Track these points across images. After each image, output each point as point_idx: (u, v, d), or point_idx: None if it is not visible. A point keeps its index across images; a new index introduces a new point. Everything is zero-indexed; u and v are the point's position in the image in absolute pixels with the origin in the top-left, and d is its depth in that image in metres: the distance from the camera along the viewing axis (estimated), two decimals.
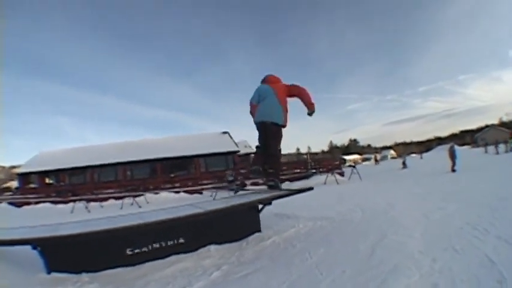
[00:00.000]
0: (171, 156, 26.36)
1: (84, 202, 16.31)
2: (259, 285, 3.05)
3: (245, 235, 4.74)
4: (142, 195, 17.50)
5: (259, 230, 4.96)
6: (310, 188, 5.53)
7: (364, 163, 68.01)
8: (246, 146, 38.05)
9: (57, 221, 5.97)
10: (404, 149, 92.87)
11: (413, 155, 74.61)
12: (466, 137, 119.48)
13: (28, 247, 3.50)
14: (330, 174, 17.93)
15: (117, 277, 3.68)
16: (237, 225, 4.82)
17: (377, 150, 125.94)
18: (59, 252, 3.65)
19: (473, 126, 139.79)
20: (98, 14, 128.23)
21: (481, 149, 44.81)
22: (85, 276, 3.60)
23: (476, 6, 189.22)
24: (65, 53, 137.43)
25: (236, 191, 6.42)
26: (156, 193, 18.98)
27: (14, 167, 64.28)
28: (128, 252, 3.97)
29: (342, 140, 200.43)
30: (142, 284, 3.40)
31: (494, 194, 6.68)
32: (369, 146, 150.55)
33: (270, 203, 5.07)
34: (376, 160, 62.17)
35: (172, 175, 25.14)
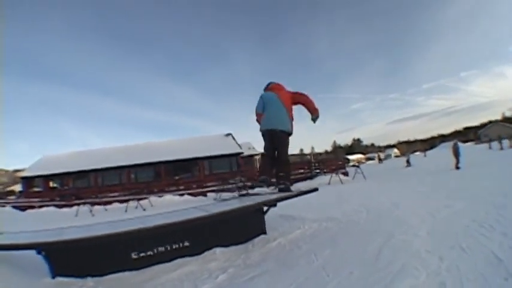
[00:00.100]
0: (175, 159, 26.33)
1: (88, 206, 16.36)
2: None
3: (250, 237, 4.72)
4: (146, 198, 17.49)
5: (264, 232, 4.95)
6: (315, 189, 5.51)
7: (368, 162, 67.68)
8: (249, 148, 38.02)
9: (61, 225, 5.97)
10: (407, 147, 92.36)
11: (417, 153, 74.13)
12: (469, 134, 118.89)
13: (33, 252, 3.49)
14: (334, 174, 17.89)
15: (123, 281, 3.68)
16: (242, 227, 4.81)
17: (381, 149, 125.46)
18: (64, 257, 3.65)
19: (476, 122, 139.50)
20: (98, 16, 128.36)
21: (485, 145, 44.58)
22: (90, 281, 3.60)
23: (478, 3, 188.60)
24: (66, 55, 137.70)
25: (244, 195, 6.38)
26: (161, 196, 18.96)
27: (17, 170, 64.47)
28: (133, 256, 3.96)
29: (345, 140, 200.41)
30: None
31: (500, 191, 6.66)
32: (372, 145, 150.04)
33: (275, 205, 5.05)
34: (379, 159, 61.91)
35: (176, 178, 25.13)
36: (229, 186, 18.53)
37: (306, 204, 7.06)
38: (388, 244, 3.70)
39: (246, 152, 33.53)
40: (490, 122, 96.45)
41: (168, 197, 18.72)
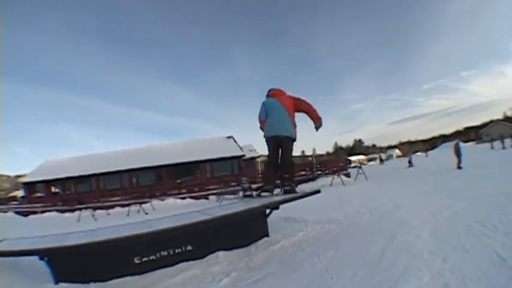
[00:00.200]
0: (176, 162, 26.33)
1: (90, 210, 16.35)
2: None
3: (253, 240, 4.72)
4: (148, 202, 17.48)
5: (267, 235, 4.95)
6: (317, 191, 5.49)
7: (369, 163, 67.67)
8: (251, 150, 38.08)
9: (64, 230, 5.98)
10: (409, 147, 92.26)
11: (419, 153, 74.13)
12: (470, 134, 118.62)
13: (35, 257, 3.50)
14: (335, 176, 17.87)
15: (126, 286, 3.69)
16: (245, 230, 4.80)
17: (382, 149, 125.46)
18: (67, 262, 3.66)
19: (477, 122, 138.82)
20: (99, 18, 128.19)
21: (486, 145, 44.53)
22: (93, 286, 3.62)
23: (477, 2, 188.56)
24: (67, 58, 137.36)
25: (248, 196, 6.37)
26: (163, 199, 18.95)
27: (19, 176, 64.61)
28: (136, 260, 3.96)
29: (346, 141, 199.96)
30: None
31: (502, 190, 6.64)
32: (373, 146, 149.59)
33: (277, 207, 5.04)
34: (381, 160, 61.84)
35: (178, 181, 25.13)
36: (234, 188, 18.55)
37: (308, 206, 7.04)
38: (391, 245, 3.70)
39: (248, 155, 33.62)
40: (492, 121, 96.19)
41: (170, 201, 18.69)
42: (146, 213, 14.47)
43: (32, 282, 3.59)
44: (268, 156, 5.95)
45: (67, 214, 17.46)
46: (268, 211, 5.06)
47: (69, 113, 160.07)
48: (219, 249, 4.35)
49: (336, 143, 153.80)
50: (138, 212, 15.36)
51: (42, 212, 19.18)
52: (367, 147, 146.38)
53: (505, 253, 3.00)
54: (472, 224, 4.30)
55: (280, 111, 5.73)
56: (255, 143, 42.91)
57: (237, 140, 30.31)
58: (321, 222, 5.54)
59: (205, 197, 19.38)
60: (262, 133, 5.95)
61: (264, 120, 5.89)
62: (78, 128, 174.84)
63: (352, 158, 74.15)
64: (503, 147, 31.76)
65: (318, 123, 5.87)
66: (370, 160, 79.84)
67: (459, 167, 16.01)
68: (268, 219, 5.10)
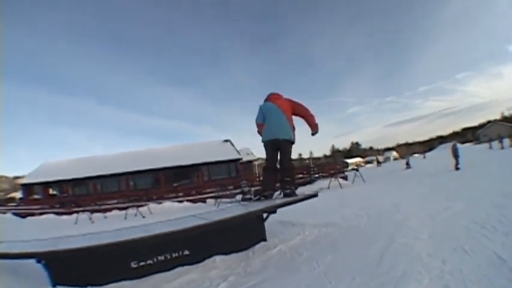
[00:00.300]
0: (174, 166, 26.35)
1: (88, 213, 16.36)
2: None
3: (251, 244, 4.69)
4: (146, 205, 17.46)
5: (264, 239, 4.91)
6: (315, 195, 5.48)
7: (366, 166, 67.84)
8: (248, 154, 38.12)
9: (61, 233, 5.96)
10: (406, 149, 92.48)
11: (416, 155, 74.39)
12: (467, 135, 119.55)
13: (33, 260, 3.47)
14: (333, 179, 17.87)
15: None
16: (242, 234, 4.77)
17: (379, 152, 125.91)
18: (64, 266, 3.63)
19: (474, 123, 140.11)
20: (99, 22, 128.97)
21: (484, 146, 44.64)
22: None
23: (473, 4, 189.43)
24: (66, 61, 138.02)
25: (247, 199, 6.33)
26: (160, 203, 18.95)
27: (17, 177, 64.63)
28: (133, 265, 3.93)
29: (343, 144, 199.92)
30: None
31: (500, 190, 6.65)
32: (371, 148, 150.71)
33: (274, 212, 5.02)
34: (378, 162, 61.92)
35: (175, 184, 25.12)
36: (231, 191, 18.58)
37: (305, 210, 7.02)
38: (390, 248, 3.68)
39: (245, 158, 33.62)
40: (489, 121, 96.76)
41: (167, 204, 18.72)
42: (143, 217, 14.50)
43: (30, 285, 3.56)
44: (266, 160, 5.92)
45: (64, 216, 17.53)
46: (265, 215, 5.03)
47: (69, 116, 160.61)
48: (216, 254, 4.32)
49: (333, 146, 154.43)
50: (136, 215, 15.34)
51: (40, 214, 19.21)
52: (365, 149, 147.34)
53: (505, 254, 2.99)
54: (470, 225, 4.30)
55: (277, 115, 5.71)
56: (252, 147, 43.07)
57: (234, 144, 30.45)
58: (318, 225, 5.51)
59: (203, 201, 19.38)
60: (260, 137, 5.93)
61: (261, 124, 5.87)
62: (77, 131, 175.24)
63: (350, 161, 74.48)
64: (502, 147, 31.84)
65: (314, 130, 5.88)
66: (367, 162, 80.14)
67: (457, 168, 16.04)
68: (266, 223, 5.07)
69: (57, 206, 20.10)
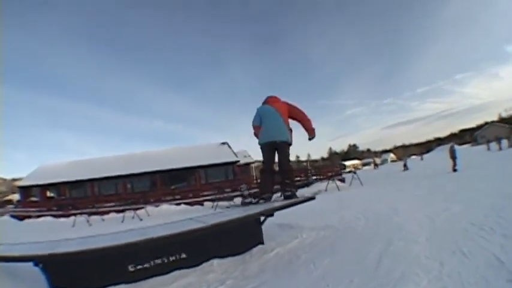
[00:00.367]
0: (171, 168, 26.29)
1: (85, 216, 16.29)
2: None
3: (248, 248, 4.66)
4: (143, 208, 17.43)
5: (262, 242, 4.88)
6: (312, 198, 5.47)
7: (364, 168, 67.97)
8: (245, 156, 38.10)
9: (59, 235, 5.94)
10: (404, 151, 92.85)
11: (414, 156, 74.59)
12: (465, 136, 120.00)
13: (30, 263, 3.45)
14: (330, 181, 17.88)
15: None
16: (240, 238, 4.75)
17: (377, 154, 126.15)
18: (61, 270, 3.60)
19: (472, 124, 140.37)
20: (97, 26, 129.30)
21: (482, 147, 44.78)
22: None
23: (472, 5, 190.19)
24: (64, 64, 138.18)
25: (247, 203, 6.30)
26: (157, 205, 18.93)
27: (15, 179, 64.61)
28: (130, 268, 3.90)
29: (341, 146, 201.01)
30: None
31: (498, 191, 6.67)
32: (368, 150, 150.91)
33: (272, 215, 5.01)
34: (375, 164, 61.99)
35: (172, 187, 25.10)
36: (228, 194, 18.57)
37: (303, 212, 7.01)
38: (388, 251, 3.67)
39: (242, 160, 33.62)
40: (487, 123, 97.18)
41: (164, 207, 18.68)
42: (141, 219, 14.45)
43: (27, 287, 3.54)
44: (263, 162, 5.91)
45: (62, 219, 17.53)
46: (262, 218, 5.02)
47: (67, 119, 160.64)
48: (214, 257, 4.30)
49: (330, 148, 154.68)
50: (133, 218, 15.31)
51: (38, 216, 19.23)
52: (362, 152, 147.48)
53: (504, 256, 2.98)
54: (469, 227, 4.30)
55: (274, 117, 5.71)
56: (249, 149, 42.96)
57: (231, 146, 30.41)
58: (316, 228, 5.49)
59: (200, 203, 19.36)
60: (257, 140, 5.93)
61: (257, 126, 5.88)
62: (75, 134, 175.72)
63: (347, 163, 74.51)
64: (500, 149, 31.90)
65: (311, 135, 5.91)
66: (364, 165, 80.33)
67: (454, 170, 16.10)
68: (263, 226, 5.05)
69: (55, 208, 20.04)
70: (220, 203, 17.05)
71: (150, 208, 17.79)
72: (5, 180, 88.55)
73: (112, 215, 18.02)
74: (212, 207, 16.39)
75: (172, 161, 27.22)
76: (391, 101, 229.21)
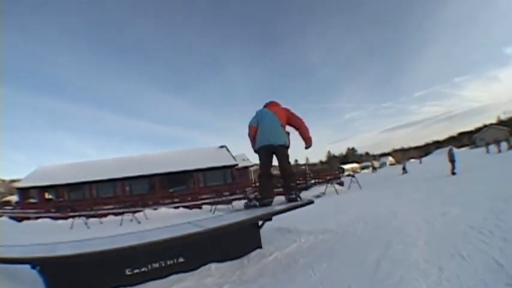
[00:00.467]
0: (170, 171, 26.28)
1: (83, 218, 16.29)
2: None
3: (246, 252, 4.64)
4: (141, 211, 17.41)
5: (260, 246, 4.86)
6: (310, 202, 5.47)
7: (362, 171, 67.94)
8: (244, 160, 38.01)
9: (57, 237, 5.93)
10: (402, 154, 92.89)
11: (412, 160, 74.70)
12: (464, 139, 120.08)
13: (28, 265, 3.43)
14: (329, 185, 17.87)
15: None
16: (238, 242, 4.73)
17: (375, 157, 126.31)
18: (58, 272, 3.58)
19: (470, 127, 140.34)
20: (96, 28, 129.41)
21: (481, 150, 44.82)
22: None
23: (470, 8, 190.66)
24: (64, 66, 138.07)
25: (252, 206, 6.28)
26: (155, 209, 18.91)
27: (14, 180, 64.57)
28: (127, 272, 3.88)
29: (339, 149, 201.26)
30: None
31: (497, 194, 6.66)
32: (367, 154, 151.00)
33: (270, 219, 5.00)
34: (373, 168, 61.94)
35: (171, 190, 25.07)
36: (226, 197, 18.58)
37: (301, 216, 6.97)
38: (386, 255, 3.65)
39: (241, 164, 33.56)
40: (485, 126, 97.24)
41: (163, 210, 18.67)
42: (139, 222, 14.46)
43: None
44: (260, 166, 5.90)
45: (60, 221, 17.44)
46: (261, 222, 5.00)
47: (66, 121, 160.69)
48: (212, 262, 4.28)
49: (329, 152, 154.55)
50: (131, 220, 15.29)
51: (36, 218, 19.25)
52: (361, 155, 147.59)
53: (503, 259, 2.98)
54: (467, 230, 4.30)
55: (272, 121, 5.72)
56: (248, 152, 42.86)
57: (230, 149, 30.43)
58: (314, 232, 5.46)
59: (199, 207, 19.33)
60: (248, 138, 6.01)
61: (253, 126, 5.89)
62: (74, 136, 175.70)
63: (346, 167, 74.53)
64: (499, 151, 31.90)
65: (308, 144, 5.90)
66: (363, 168, 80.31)
67: (453, 173, 16.11)
68: (261, 230, 5.04)
69: (53, 210, 20.04)
70: (219, 207, 17.04)
71: (148, 211, 17.78)
72: (3, 181, 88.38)
73: (110, 217, 17.97)
74: (210, 210, 16.39)
75: (171, 164, 27.22)
76: (390, 105, 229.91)
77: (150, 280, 3.91)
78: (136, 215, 16.28)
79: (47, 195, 25.94)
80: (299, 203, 5.41)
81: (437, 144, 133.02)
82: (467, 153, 46.44)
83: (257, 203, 5.91)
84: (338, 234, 5.21)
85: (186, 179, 26.95)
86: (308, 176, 24.62)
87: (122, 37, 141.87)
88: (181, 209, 19.08)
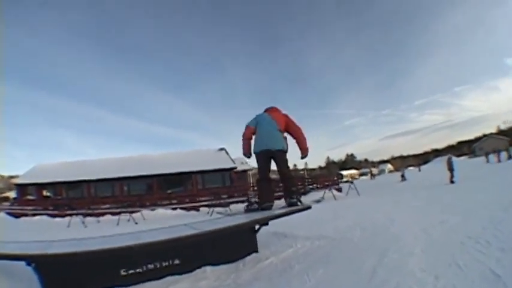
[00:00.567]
0: (168, 173, 26.30)
1: (81, 217, 16.29)
2: None
3: (242, 256, 4.62)
4: (139, 211, 17.40)
5: (256, 251, 4.85)
6: (308, 207, 5.45)
7: (361, 178, 67.97)
8: (242, 163, 37.95)
9: (54, 235, 5.91)
10: (401, 162, 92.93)
11: (411, 167, 74.66)
12: (463, 148, 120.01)
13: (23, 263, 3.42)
14: (327, 190, 17.85)
15: None
16: (234, 245, 4.71)
17: (374, 164, 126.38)
18: (53, 270, 3.56)
19: (470, 136, 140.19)
20: (97, 26, 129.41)
21: (481, 159, 44.85)
22: None
23: (471, 17, 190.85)
24: (64, 65, 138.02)
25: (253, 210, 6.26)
26: (153, 209, 18.92)
27: (12, 176, 64.54)
28: (122, 272, 3.86)
29: (339, 155, 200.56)
30: None
31: (496, 204, 6.64)
32: (366, 160, 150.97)
33: (266, 223, 4.98)
34: (372, 175, 61.94)
35: (169, 191, 25.05)
36: (224, 200, 18.57)
37: (298, 221, 6.94)
38: (383, 263, 3.62)
39: (240, 167, 33.52)
40: (485, 135, 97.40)
41: (160, 211, 18.69)
42: (136, 223, 14.49)
43: (21, 287, 3.53)
44: (259, 171, 5.90)
45: (57, 219, 17.56)
46: (257, 227, 4.99)
47: (66, 119, 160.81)
48: (207, 264, 4.26)
49: (328, 158, 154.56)
50: (128, 220, 15.34)
51: (34, 215, 19.31)
52: (360, 162, 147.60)
53: (500, 270, 2.96)
54: (465, 239, 4.26)
55: (270, 125, 5.75)
56: None
57: (229, 152, 30.40)
58: (311, 238, 5.44)
59: (196, 209, 19.31)
60: (241, 140, 6.02)
61: (250, 127, 5.93)
62: (74, 134, 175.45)
63: (344, 173, 74.52)
64: (499, 161, 31.89)
65: (304, 154, 5.95)
66: (361, 175, 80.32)
67: (452, 182, 16.11)
68: (258, 234, 5.02)
69: (51, 208, 20.04)
70: (217, 209, 17.02)
71: (145, 212, 17.81)
72: (2, 177, 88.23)
73: (108, 217, 18.01)
74: (208, 213, 16.36)
75: (169, 165, 27.24)
76: (389, 112, 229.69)
77: (145, 281, 3.89)
78: (134, 215, 16.28)
79: (45, 193, 25.98)
80: (296, 208, 5.39)
81: (437, 153, 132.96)
82: (467, 162, 46.53)
83: (258, 207, 5.90)
84: (335, 241, 5.18)
85: (185, 181, 26.96)
86: (306, 181, 24.60)
87: (122, 37, 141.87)
88: (178, 210, 19.11)
